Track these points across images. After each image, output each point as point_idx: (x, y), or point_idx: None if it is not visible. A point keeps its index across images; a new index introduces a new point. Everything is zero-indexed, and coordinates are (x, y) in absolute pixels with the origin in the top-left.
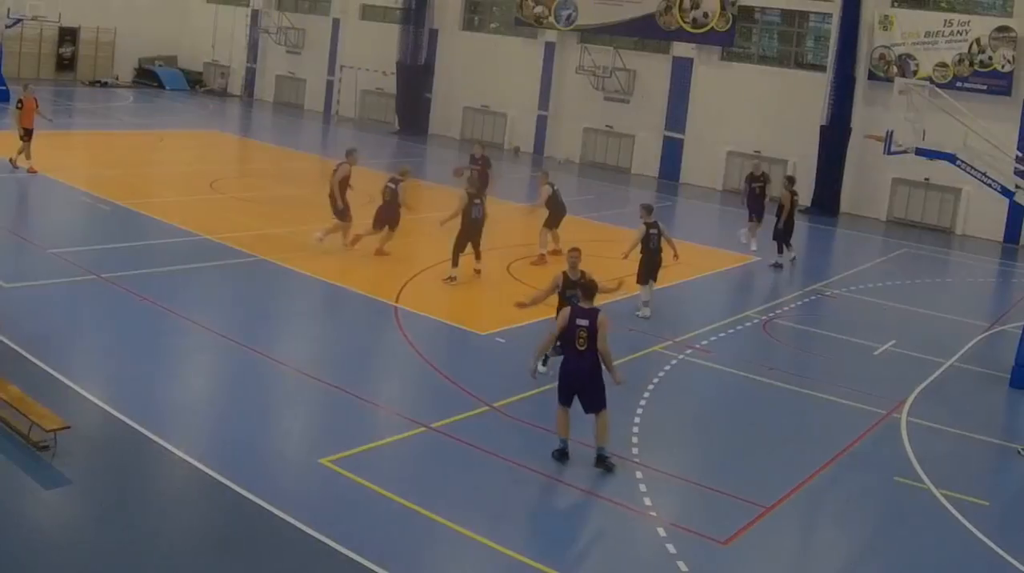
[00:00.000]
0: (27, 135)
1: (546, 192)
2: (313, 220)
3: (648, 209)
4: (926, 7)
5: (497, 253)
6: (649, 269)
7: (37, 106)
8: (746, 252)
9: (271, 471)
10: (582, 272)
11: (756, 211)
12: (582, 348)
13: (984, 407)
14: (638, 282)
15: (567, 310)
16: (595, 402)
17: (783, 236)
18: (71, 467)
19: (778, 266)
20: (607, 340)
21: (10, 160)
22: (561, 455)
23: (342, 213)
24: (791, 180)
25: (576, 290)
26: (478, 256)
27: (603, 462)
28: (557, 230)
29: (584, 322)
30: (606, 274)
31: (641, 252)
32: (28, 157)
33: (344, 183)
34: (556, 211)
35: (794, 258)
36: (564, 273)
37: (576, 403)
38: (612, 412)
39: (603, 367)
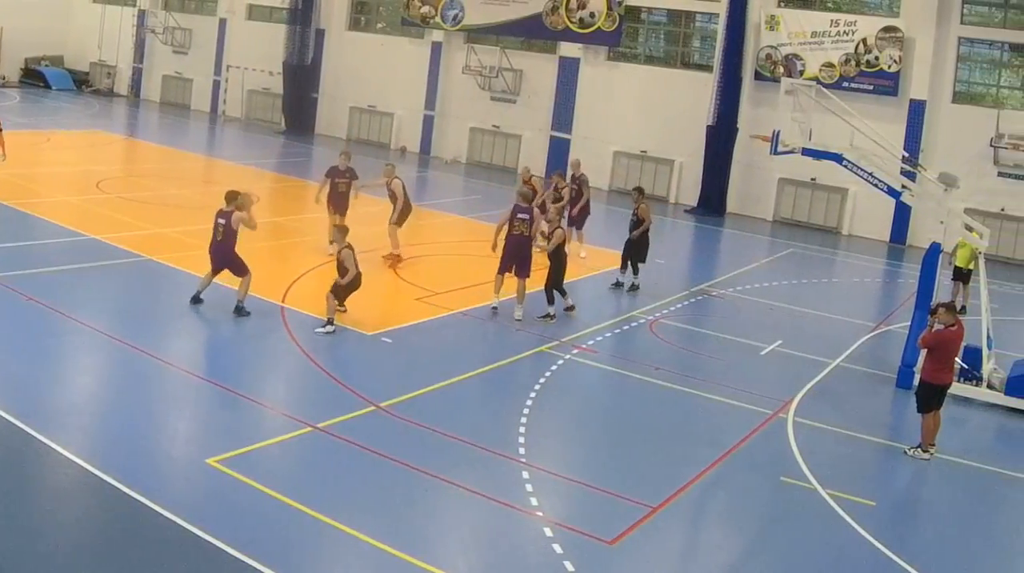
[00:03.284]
0: None
1: (399, 187)
2: (199, 221)
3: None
4: (812, 7)
5: (380, 254)
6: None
7: None
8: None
9: (158, 471)
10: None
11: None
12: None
13: (870, 407)
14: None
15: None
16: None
17: (639, 254)
18: None
19: (619, 285)
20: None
21: None
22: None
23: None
24: (641, 192)
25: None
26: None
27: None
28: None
29: (222, 221)
30: (493, 274)
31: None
32: None
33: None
34: (406, 209)
35: (638, 286)
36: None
37: None
38: (498, 411)
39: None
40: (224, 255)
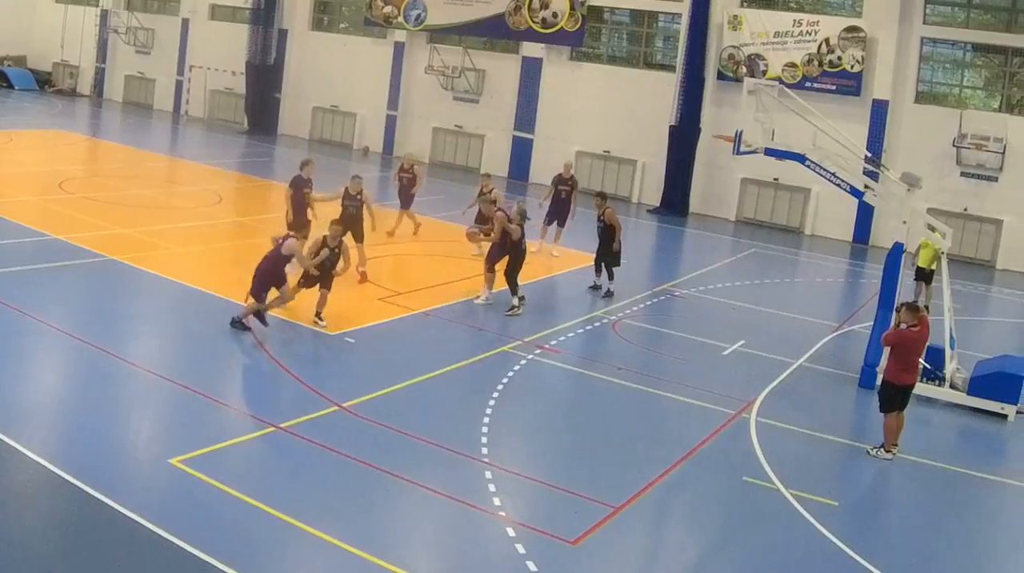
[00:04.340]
0: None
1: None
2: (163, 221)
3: (522, 214)
4: (775, 7)
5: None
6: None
7: None
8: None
9: (121, 471)
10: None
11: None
12: None
13: (833, 407)
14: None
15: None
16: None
17: (614, 259)
18: None
19: (596, 287)
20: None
21: None
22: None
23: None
24: (604, 197)
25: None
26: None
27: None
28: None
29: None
30: (456, 274)
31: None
32: None
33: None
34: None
35: (612, 292)
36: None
37: None
38: (461, 411)
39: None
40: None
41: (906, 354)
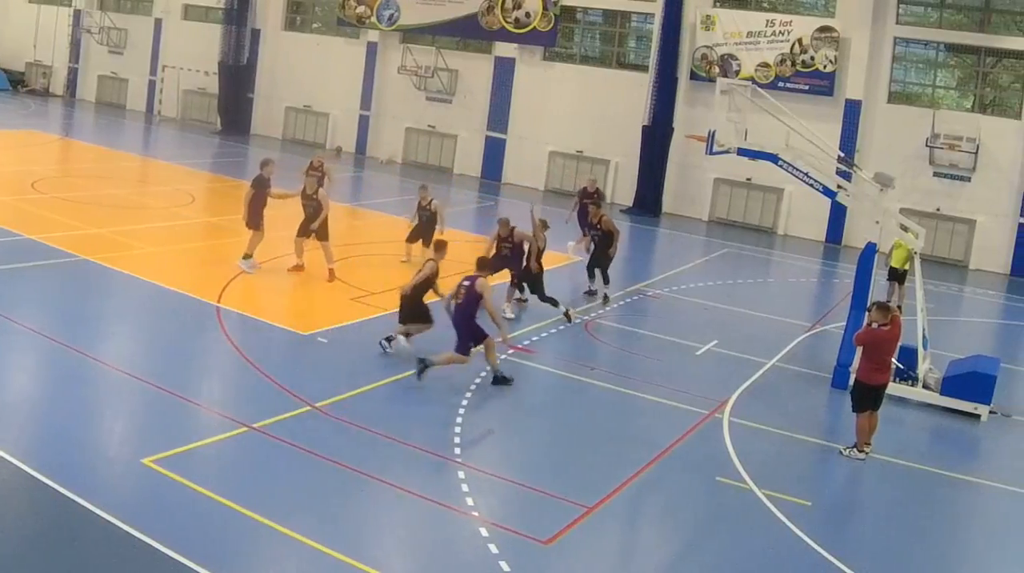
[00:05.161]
0: None
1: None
2: (135, 221)
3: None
4: (748, 7)
5: (319, 254)
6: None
7: None
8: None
9: (93, 471)
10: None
11: (588, 226)
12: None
13: (806, 407)
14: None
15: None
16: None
17: (607, 264)
18: None
19: (592, 293)
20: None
21: None
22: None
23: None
24: (599, 203)
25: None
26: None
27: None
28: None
29: (466, 283)
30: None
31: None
32: None
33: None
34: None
35: (608, 296)
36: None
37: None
38: (434, 411)
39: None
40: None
41: (878, 354)
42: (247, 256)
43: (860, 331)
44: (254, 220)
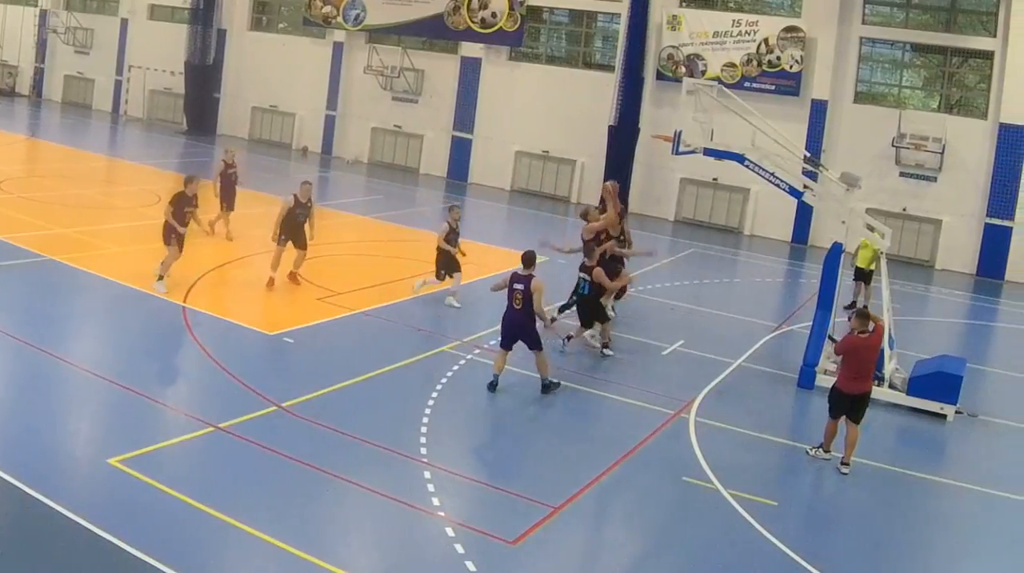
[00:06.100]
0: None
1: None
2: (102, 221)
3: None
4: (714, 7)
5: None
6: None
7: None
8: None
9: (59, 471)
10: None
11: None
12: (518, 307)
13: (772, 407)
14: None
15: (508, 273)
16: (532, 345)
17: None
18: None
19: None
20: (541, 302)
21: None
22: (493, 386)
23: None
24: (587, 217)
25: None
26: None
27: (547, 389)
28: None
29: (520, 286)
30: (394, 274)
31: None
32: None
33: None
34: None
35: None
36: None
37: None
38: (400, 411)
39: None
40: (521, 327)
41: (856, 361)
42: (160, 277)
43: (840, 341)
44: (176, 237)
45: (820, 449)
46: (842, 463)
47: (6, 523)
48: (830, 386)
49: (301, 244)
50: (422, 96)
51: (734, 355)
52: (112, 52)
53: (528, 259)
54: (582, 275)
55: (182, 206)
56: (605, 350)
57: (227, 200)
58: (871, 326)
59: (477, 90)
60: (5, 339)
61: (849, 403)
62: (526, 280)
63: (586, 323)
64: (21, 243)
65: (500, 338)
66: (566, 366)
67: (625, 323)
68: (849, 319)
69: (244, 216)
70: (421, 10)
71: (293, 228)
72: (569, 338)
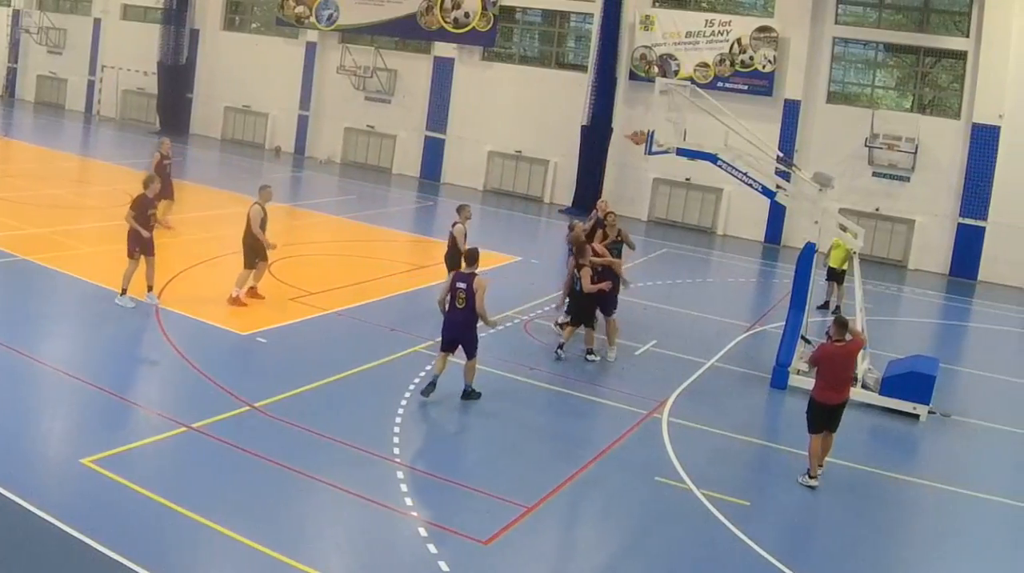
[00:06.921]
0: None
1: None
2: (74, 221)
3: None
4: (687, 7)
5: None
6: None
7: None
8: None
9: (31, 471)
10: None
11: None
12: (460, 306)
13: (745, 407)
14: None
15: (452, 274)
16: (469, 352)
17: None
18: None
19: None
20: (483, 301)
21: None
22: (429, 390)
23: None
24: (572, 228)
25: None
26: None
27: (468, 396)
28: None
29: (462, 285)
30: (367, 274)
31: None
32: None
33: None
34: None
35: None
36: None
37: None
38: (373, 411)
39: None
40: (464, 327)
41: (829, 370)
42: (123, 291)
43: (815, 351)
44: (143, 241)
45: (806, 476)
46: (812, 473)
47: None
48: (802, 387)
49: (263, 255)
50: (395, 96)
51: (707, 355)
52: (85, 52)
53: (471, 257)
54: (577, 275)
55: (145, 209)
56: (589, 356)
57: (165, 190)
58: (848, 337)
59: (450, 90)
60: None
61: (828, 414)
62: (469, 278)
63: (575, 321)
64: None
65: (440, 340)
66: (541, 364)
67: (598, 323)
68: (828, 331)
69: (217, 216)
70: (394, 10)
71: (255, 241)
72: (561, 346)
